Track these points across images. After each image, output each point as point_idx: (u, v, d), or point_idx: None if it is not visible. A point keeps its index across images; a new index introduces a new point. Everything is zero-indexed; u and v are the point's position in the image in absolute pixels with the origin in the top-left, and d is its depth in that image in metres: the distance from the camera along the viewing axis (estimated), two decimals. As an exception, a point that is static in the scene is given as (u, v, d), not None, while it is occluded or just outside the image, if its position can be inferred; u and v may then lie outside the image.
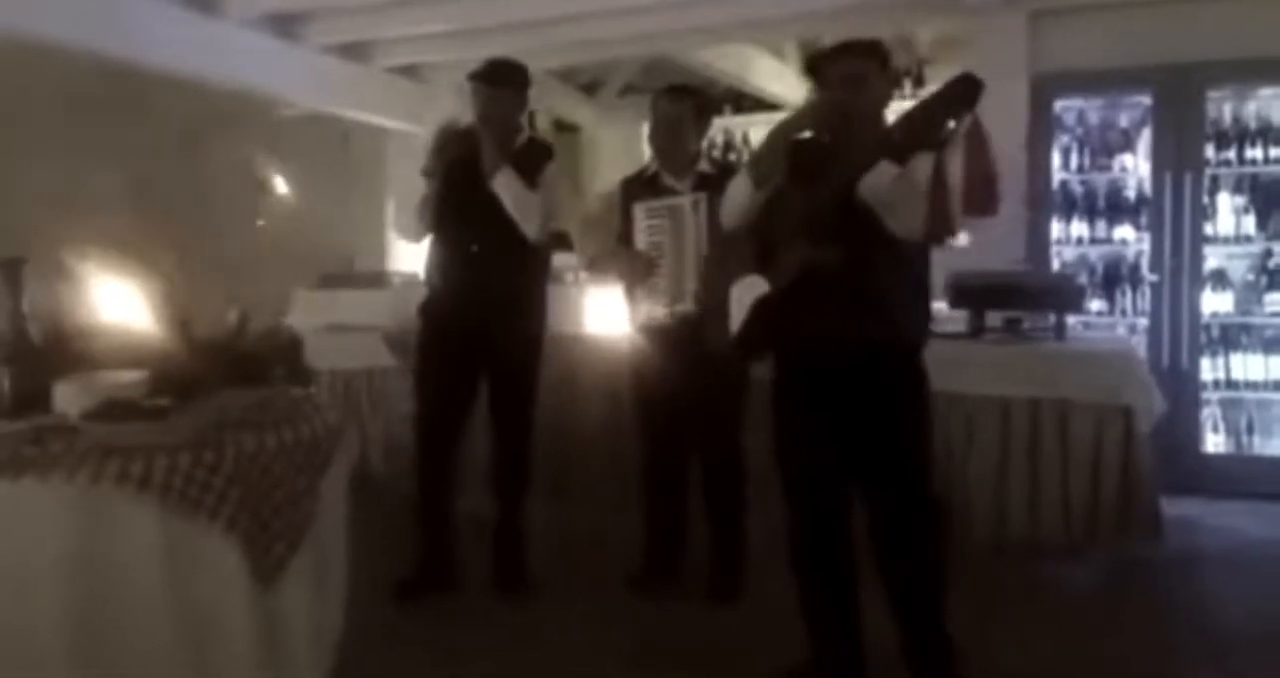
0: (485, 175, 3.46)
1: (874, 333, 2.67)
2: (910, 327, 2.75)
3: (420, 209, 3.56)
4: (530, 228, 3.49)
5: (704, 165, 3.69)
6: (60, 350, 2.57)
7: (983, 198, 2.45)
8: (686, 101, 3.64)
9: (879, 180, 2.54)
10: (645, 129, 7.75)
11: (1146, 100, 5.17)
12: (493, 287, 3.54)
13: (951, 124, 2.46)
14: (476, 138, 3.49)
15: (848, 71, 2.68)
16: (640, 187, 3.69)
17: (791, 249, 2.69)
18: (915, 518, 2.77)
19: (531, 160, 3.56)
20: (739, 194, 2.84)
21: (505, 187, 3.45)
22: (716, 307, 2.92)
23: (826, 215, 2.63)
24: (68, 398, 2.39)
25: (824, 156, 2.70)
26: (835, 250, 2.60)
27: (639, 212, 3.61)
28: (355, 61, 6.19)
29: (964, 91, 2.44)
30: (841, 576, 2.84)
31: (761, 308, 2.77)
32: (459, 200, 3.52)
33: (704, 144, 3.82)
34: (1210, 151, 5.05)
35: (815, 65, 2.78)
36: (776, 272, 2.73)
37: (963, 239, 2.65)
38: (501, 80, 3.55)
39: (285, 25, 5.60)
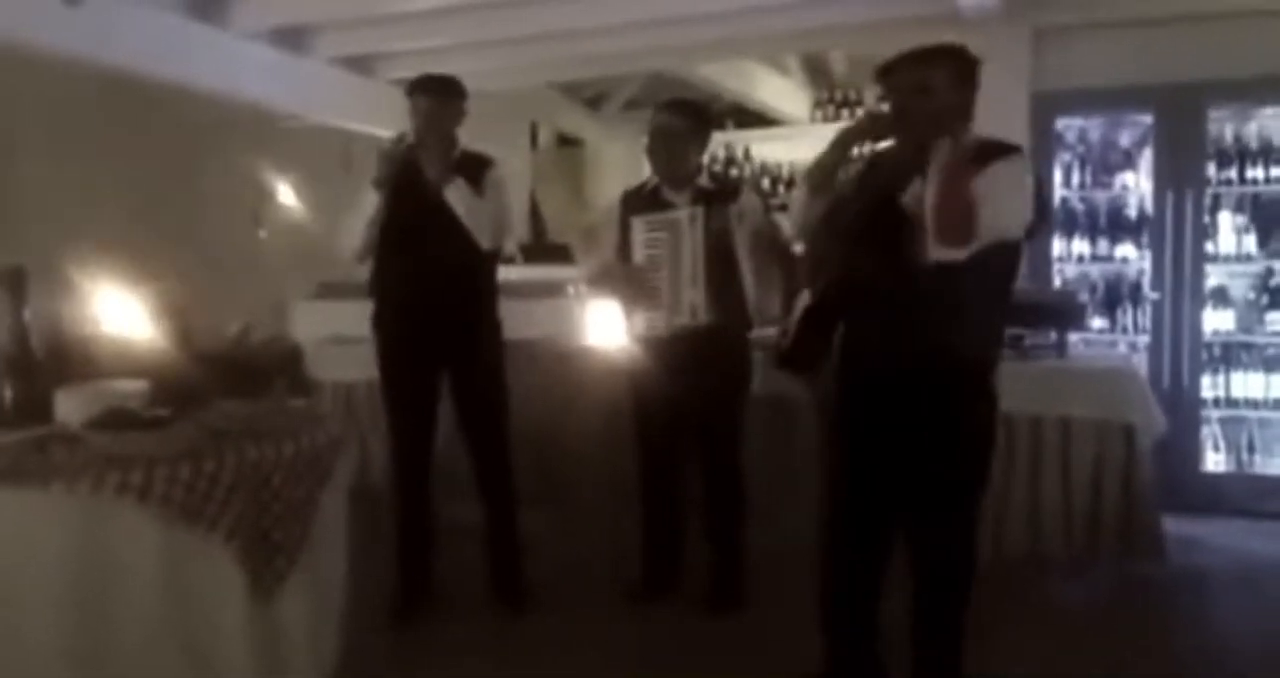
0: (432, 187, 3.47)
1: (915, 347, 2.59)
2: (960, 342, 2.60)
3: (370, 224, 3.54)
4: (484, 236, 3.51)
5: (704, 180, 3.70)
6: (62, 360, 2.58)
7: (953, 230, 2.44)
8: (684, 116, 3.65)
9: (917, 188, 2.51)
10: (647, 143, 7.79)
11: (1148, 119, 5.18)
12: (446, 297, 3.55)
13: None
14: (419, 150, 3.50)
15: (911, 80, 2.62)
16: (640, 200, 3.70)
17: (831, 256, 2.71)
18: (958, 567, 2.75)
19: (473, 169, 3.58)
20: (797, 203, 2.86)
21: (457, 196, 3.47)
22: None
23: (864, 221, 2.62)
24: (69, 407, 2.40)
25: (886, 166, 2.69)
26: (869, 257, 2.60)
27: (637, 225, 3.62)
28: (359, 74, 6.20)
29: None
30: (871, 600, 2.84)
31: (805, 319, 2.77)
32: (407, 213, 3.51)
33: (705, 159, 3.83)
34: (1211, 170, 5.05)
35: (884, 74, 2.70)
36: (816, 281, 2.75)
37: (958, 255, 2.51)
38: (442, 93, 3.56)
39: (290, 38, 5.61)
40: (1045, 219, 2.63)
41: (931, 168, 2.47)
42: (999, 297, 2.68)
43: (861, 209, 2.64)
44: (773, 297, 3.51)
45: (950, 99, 2.59)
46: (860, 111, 2.88)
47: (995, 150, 2.56)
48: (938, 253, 2.47)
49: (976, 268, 2.49)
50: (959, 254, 2.45)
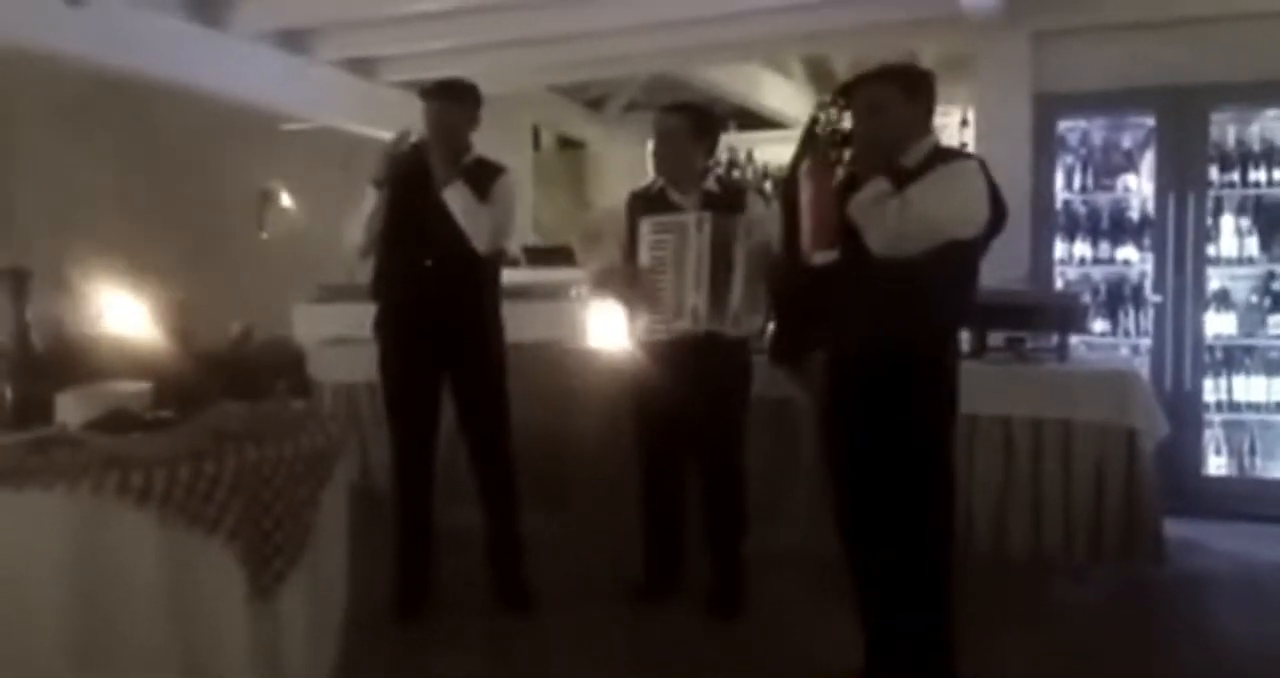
0: (436, 188, 3.47)
1: (852, 340, 2.80)
2: (890, 336, 2.72)
3: (369, 222, 3.55)
4: (480, 240, 3.50)
5: (711, 183, 3.68)
6: (63, 361, 2.58)
7: (820, 233, 2.76)
8: (686, 117, 3.64)
9: (859, 198, 2.69)
10: (650, 145, 7.79)
11: (1150, 121, 5.18)
12: (448, 300, 3.54)
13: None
14: (427, 152, 3.50)
15: (867, 99, 2.79)
16: (648, 201, 3.70)
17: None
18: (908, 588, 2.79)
19: (483, 175, 3.58)
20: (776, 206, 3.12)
21: (455, 198, 3.46)
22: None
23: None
24: (70, 409, 2.40)
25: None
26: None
27: (644, 226, 3.62)
28: (361, 77, 6.21)
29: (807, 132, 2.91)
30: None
31: (776, 312, 3.06)
32: (411, 214, 3.51)
33: (710, 162, 3.80)
34: (1213, 173, 5.05)
35: (845, 94, 2.88)
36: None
37: (818, 258, 2.81)
38: (452, 96, 3.57)
39: (292, 40, 5.62)
40: (1003, 220, 2.75)
41: (801, 178, 2.80)
42: (945, 295, 2.77)
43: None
44: (756, 311, 3.52)
45: (902, 114, 2.77)
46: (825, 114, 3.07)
47: (944, 158, 2.74)
48: (817, 256, 2.78)
49: (917, 265, 2.63)
50: (832, 255, 2.75)
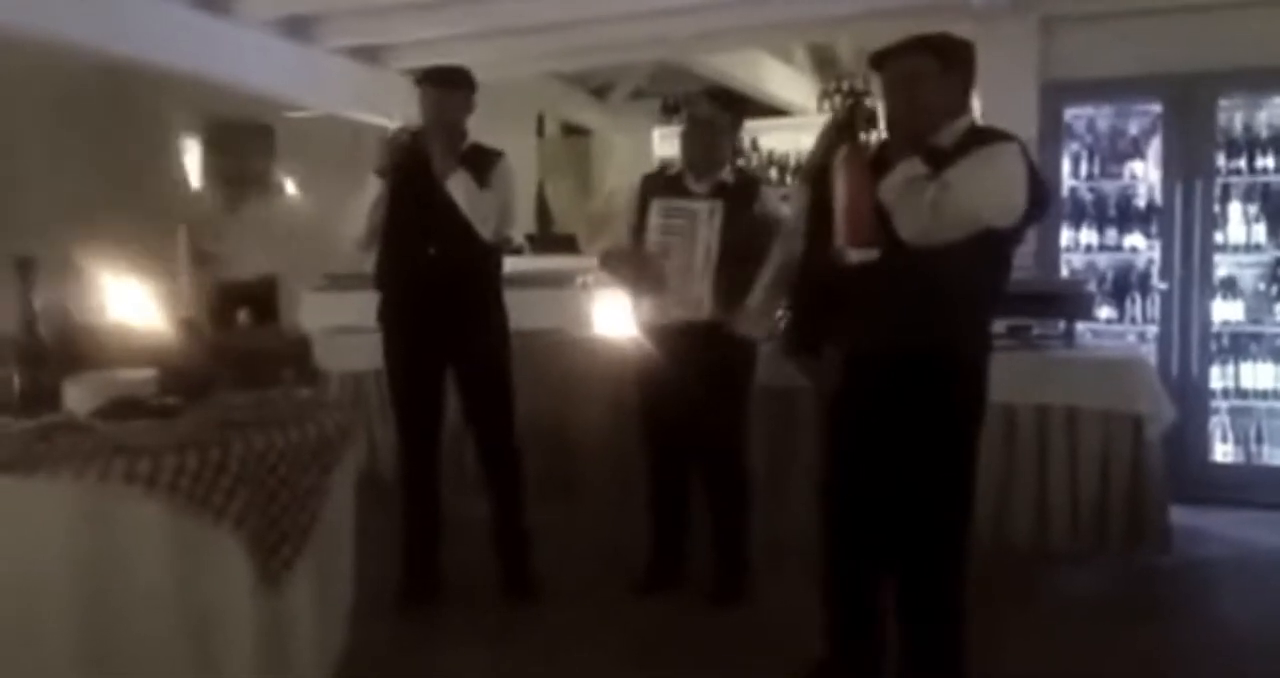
0: (438, 178, 3.46)
1: (878, 332, 2.63)
2: (922, 329, 2.57)
3: (371, 212, 3.54)
4: (485, 228, 3.50)
5: (727, 174, 3.62)
6: (70, 349, 2.59)
7: (859, 229, 2.48)
8: (727, 108, 3.62)
9: (891, 180, 2.51)
10: (655, 132, 7.79)
11: (1157, 108, 5.15)
12: (453, 289, 3.54)
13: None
14: (425, 141, 3.49)
15: (896, 71, 2.61)
16: (661, 184, 3.69)
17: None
18: (935, 557, 2.71)
19: (481, 161, 3.57)
20: (794, 196, 2.89)
21: (459, 188, 3.46)
22: None
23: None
24: (77, 396, 2.41)
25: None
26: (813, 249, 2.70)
27: (656, 208, 3.60)
28: (367, 64, 6.20)
29: (845, 119, 2.59)
30: (870, 583, 2.85)
31: (793, 303, 2.91)
32: (412, 204, 3.50)
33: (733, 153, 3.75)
34: (1221, 160, 5.03)
35: (874, 65, 2.69)
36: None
37: (854, 256, 2.53)
38: (449, 83, 3.56)
39: (297, 27, 5.61)
40: (1044, 208, 2.61)
41: (835, 169, 2.52)
42: (977, 289, 2.62)
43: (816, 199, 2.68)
44: (769, 314, 3.44)
45: (938, 87, 2.57)
46: (868, 101, 2.83)
47: (983, 138, 2.54)
48: (854, 254, 2.50)
49: (949, 255, 2.47)
50: (872, 254, 2.48)
